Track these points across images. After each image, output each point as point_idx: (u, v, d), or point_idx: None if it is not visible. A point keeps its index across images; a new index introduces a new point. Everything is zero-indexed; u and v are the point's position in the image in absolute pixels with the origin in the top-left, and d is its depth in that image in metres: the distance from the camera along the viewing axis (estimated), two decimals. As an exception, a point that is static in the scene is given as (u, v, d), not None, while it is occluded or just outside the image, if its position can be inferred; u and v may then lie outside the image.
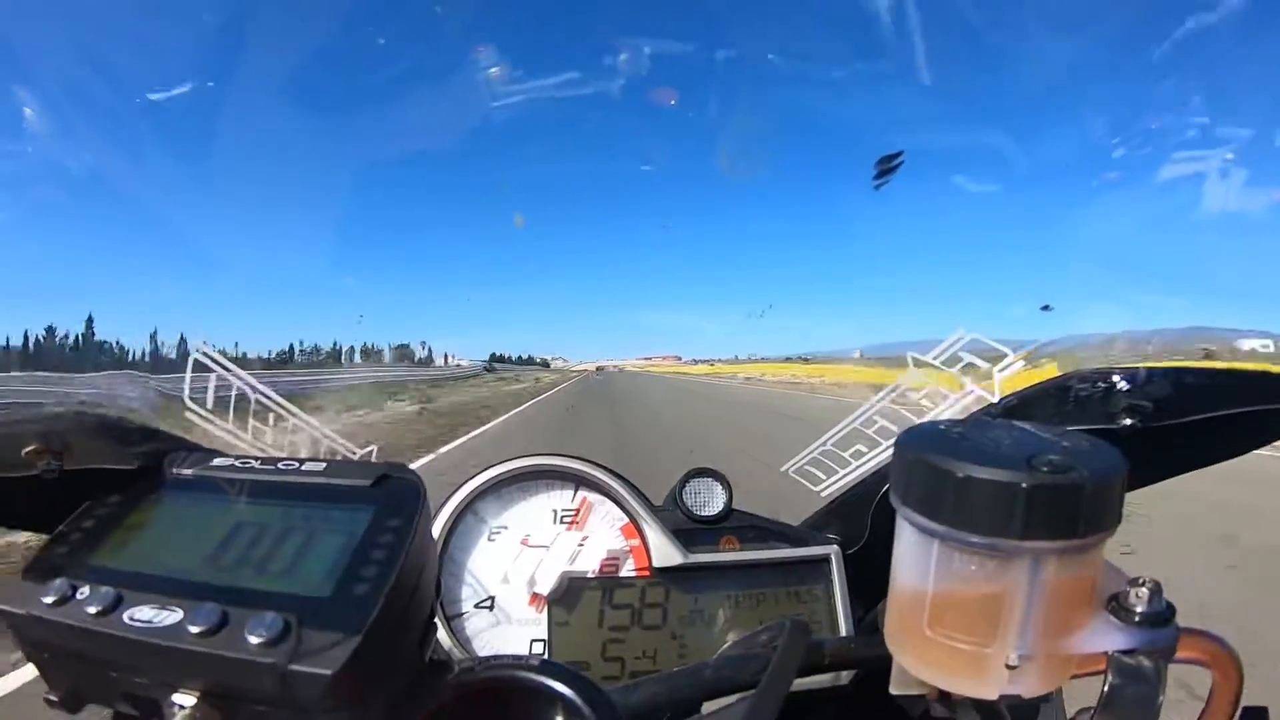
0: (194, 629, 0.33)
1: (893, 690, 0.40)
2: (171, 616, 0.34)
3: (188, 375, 0.68)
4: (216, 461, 0.45)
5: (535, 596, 0.67)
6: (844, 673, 0.57)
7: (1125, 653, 0.33)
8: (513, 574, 0.68)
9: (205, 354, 0.68)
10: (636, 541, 0.70)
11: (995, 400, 0.59)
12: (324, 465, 0.44)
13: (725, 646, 0.64)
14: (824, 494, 0.74)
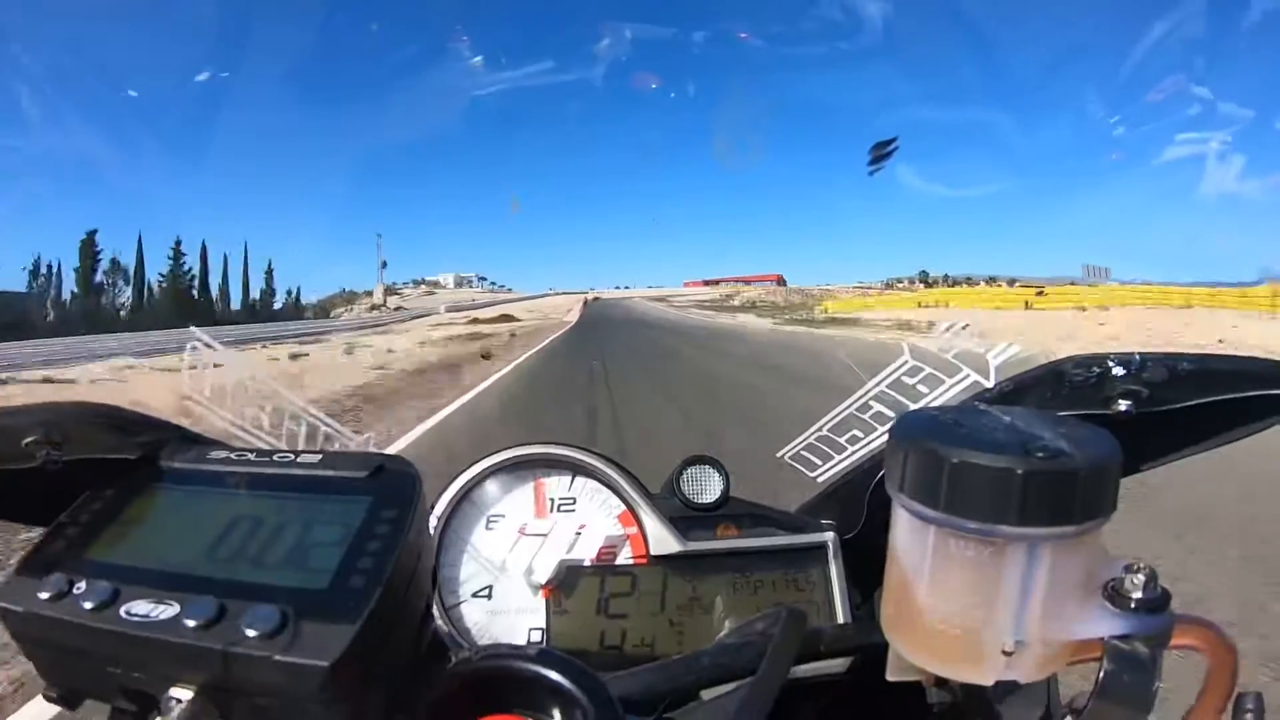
0: (191, 622, 0.33)
1: (889, 677, 0.40)
2: (168, 610, 0.34)
3: (185, 362, 0.68)
4: (214, 454, 0.45)
5: (532, 585, 0.67)
6: (840, 659, 0.57)
7: (1121, 639, 0.33)
8: (510, 562, 0.68)
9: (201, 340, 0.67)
10: (634, 529, 0.70)
11: (990, 386, 0.59)
12: (320, 457, 0.43)
13: (723, 634, 0.64)
14: (820, 479, 0.74)
